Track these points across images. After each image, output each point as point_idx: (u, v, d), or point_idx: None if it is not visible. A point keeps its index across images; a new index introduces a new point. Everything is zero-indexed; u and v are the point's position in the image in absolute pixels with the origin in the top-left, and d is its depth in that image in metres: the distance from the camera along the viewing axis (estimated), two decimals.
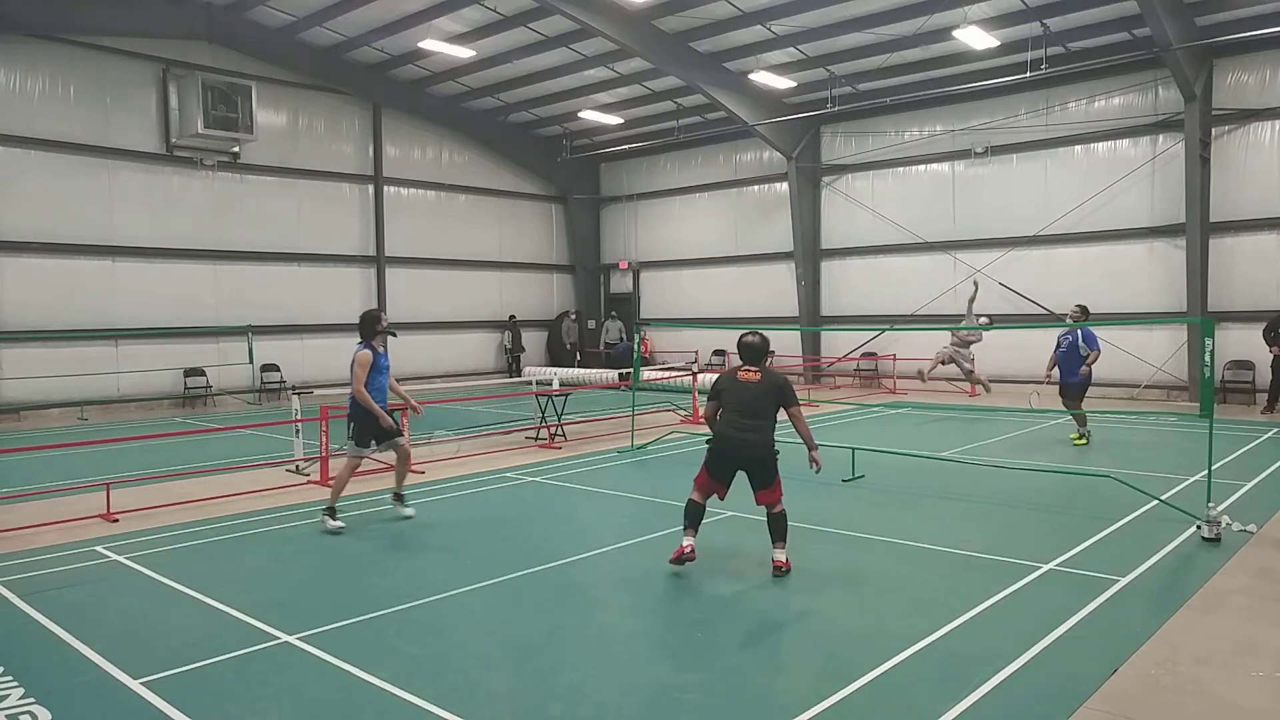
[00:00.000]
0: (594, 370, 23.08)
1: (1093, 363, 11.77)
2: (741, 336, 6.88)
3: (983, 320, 15.08)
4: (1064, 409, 12.28)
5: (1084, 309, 12.12)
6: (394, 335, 8.45)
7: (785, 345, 23.26)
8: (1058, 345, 12.09)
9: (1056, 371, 12.17)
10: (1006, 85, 18.42)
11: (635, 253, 26.86)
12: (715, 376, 6.46)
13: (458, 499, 9.38)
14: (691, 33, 18.60)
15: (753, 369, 6.63)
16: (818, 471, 6.72)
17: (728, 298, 24.18)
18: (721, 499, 6.64)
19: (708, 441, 6.66)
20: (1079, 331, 11.83)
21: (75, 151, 17.54)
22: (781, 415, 6.51)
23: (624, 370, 18.76)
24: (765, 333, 6.87)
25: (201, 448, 12.81)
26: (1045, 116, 18.78)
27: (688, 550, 6.41)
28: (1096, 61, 17.14)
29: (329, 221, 21.66)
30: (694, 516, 6.52)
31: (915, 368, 19.85)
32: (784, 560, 6.46)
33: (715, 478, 6.57)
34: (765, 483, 6.51)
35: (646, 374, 19.95)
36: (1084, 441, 12.00)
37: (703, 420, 8.66)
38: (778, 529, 6.53)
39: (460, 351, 24.50)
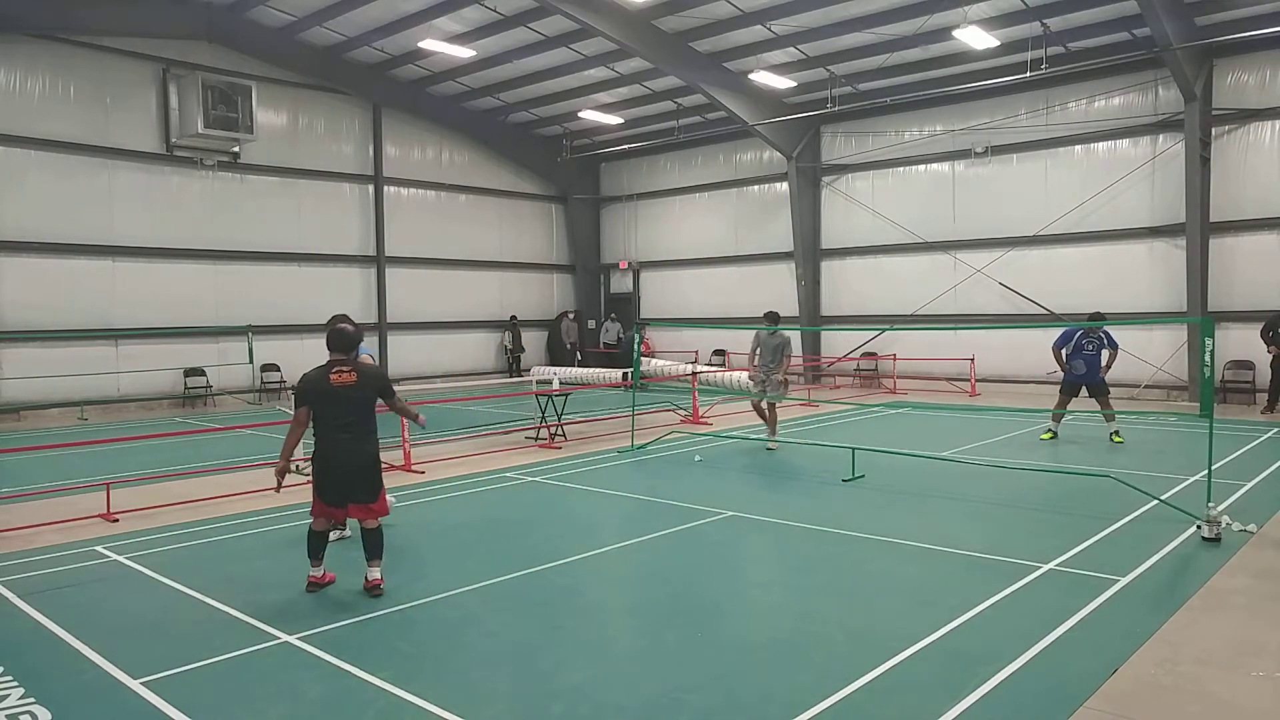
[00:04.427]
0: (595, 370, 23.08)
1: (1112, 361, 12.11)
2: (333, 321, 6.53)
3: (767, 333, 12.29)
4: (1059, 410, 12.46)
5: (1100, 315, 12.44)
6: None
7: None
8: (1079, 347, 12.09)
9: (1075, 365, 12.22)
10: (1006, 85, 18.41)
11: (635, 253, 26.86)
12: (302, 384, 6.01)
13: (458, 499, 9.38)
14: (691, 33, 18.60)
15: (345, 368, 6.13)
16: (423, 426, 6.77)
17: (728, 298, 24.16)
18: (341, 521, 6.53)
19: (311, 462, 6.22)
20: (1104, 334, 12.07)
21: (75, 151, 17.53)
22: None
23: (627, 370, 18.75)
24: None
25: (201, 448, 12.81)
26: (1045, 116, 18.78)
27: (321, 578, 6.19)
28: (1096, 61, 17.13)
29: (329, 221, 21.66)
30: (317, 548, 6.19)
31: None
32: (380, 579, 6.07)
33: (330, 503, 6.15)
34: (371, 497, 6.14)
35: (650, 365, 19.98)
36: (1122, 440, 12.09)
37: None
38: (373, 546, 6.12)
39: (460, 351, 24.50)
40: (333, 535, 7.24)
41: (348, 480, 6.08)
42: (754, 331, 12.58)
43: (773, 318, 12.14)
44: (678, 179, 25.63)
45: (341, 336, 6.27)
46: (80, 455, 11.89)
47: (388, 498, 6.54)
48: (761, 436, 12.35)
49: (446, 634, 5.39)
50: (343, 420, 6.07)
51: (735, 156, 24.30)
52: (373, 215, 22.59)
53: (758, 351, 12.26)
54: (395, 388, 6.45)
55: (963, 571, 6.46)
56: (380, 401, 6.23)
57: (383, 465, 6.40)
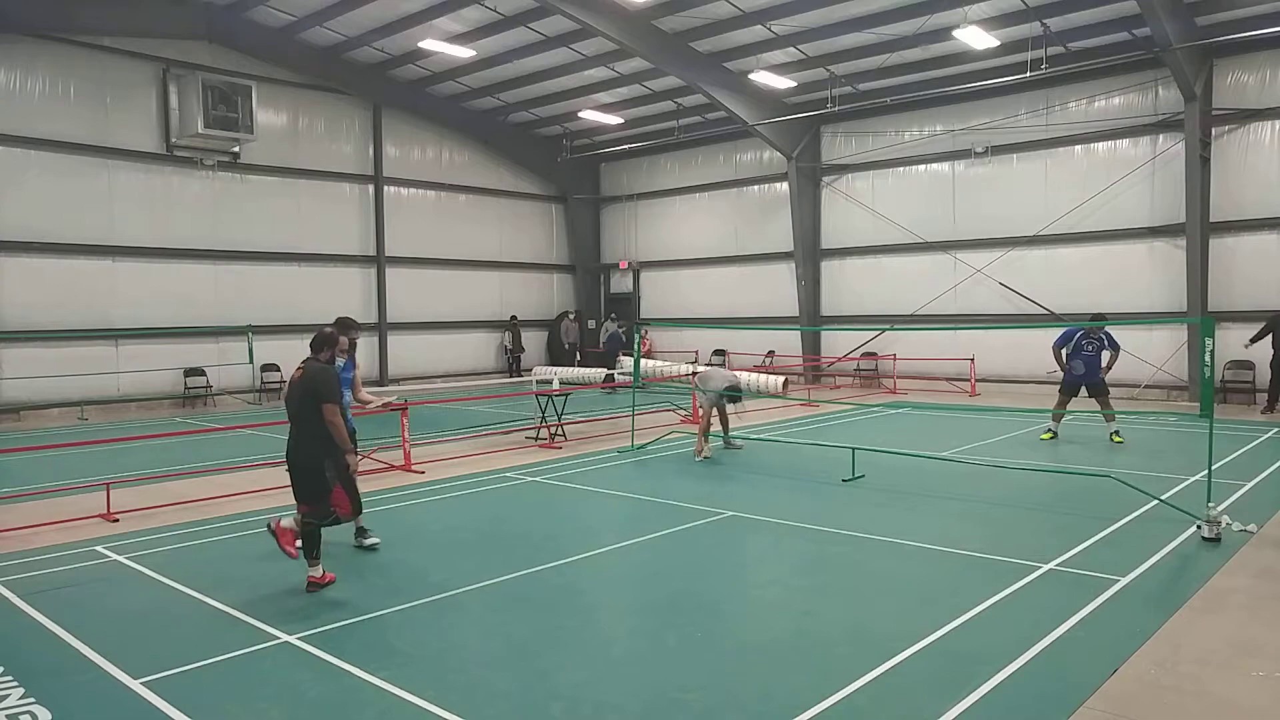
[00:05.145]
0: (578, 370, 23.05)
1: (1113, 362, 12.10)
2: (336, 323, 7.03)
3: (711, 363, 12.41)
4: (1058, 410, 12.47)
5: (1102, 315, 12.40)
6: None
7: (785, 345, 23.28)
8: (1079, 347, 12.07)
9: (1075, 365, 12.16)
10: (1006, 85, 18.41)
11: (635, 253, 26.86)
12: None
13: (458, 499, 9.38)
14: (691, 32, 18.60)
15: (301, 366, 6.28)
16: (353, 470, 6.47)
17: (728, 298, 24.17)
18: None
19: None
20: (1105, 335, 12.04)
21: (75, 151, 17.53)
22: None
23: (610, 372, 18.76)
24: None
25: (201, 448, 12.80)
26: (1045, 116, 18.77)
27: (321, 578, 6.14)
28: (1096, 61, 17.13)
29: (329, 221, 21.66)
30: (311, 547, 6.18)
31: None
32: (279, 521, 6.22)
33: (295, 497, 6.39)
34: (311, 497, 6.17)
35: (648, 364, 19.93)
36: (1122, 440, 12.07)
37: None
38: (311, 540, 6.17)
39: (460, 351, 24.51)
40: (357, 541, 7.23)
41: (291, 476, 6.36)
42: (711, 368, 12.44)
43: (733, 389, 11.57)
44: (678, 179, 25.62)
45: (315, 337, 6.52)
46: (80, 455, 11.88)
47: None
48: (763, 438, 12.34)
49: (447, 634, 5.39)
50: (290, 416, 6.34)
51: (735, 156, 24.30)
52: (373, 215, 22.59)
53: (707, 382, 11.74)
54: (390, 396, 6.44)
55: (963, 571, 6.46)
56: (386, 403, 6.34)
57: (326, 472, 6.22)
